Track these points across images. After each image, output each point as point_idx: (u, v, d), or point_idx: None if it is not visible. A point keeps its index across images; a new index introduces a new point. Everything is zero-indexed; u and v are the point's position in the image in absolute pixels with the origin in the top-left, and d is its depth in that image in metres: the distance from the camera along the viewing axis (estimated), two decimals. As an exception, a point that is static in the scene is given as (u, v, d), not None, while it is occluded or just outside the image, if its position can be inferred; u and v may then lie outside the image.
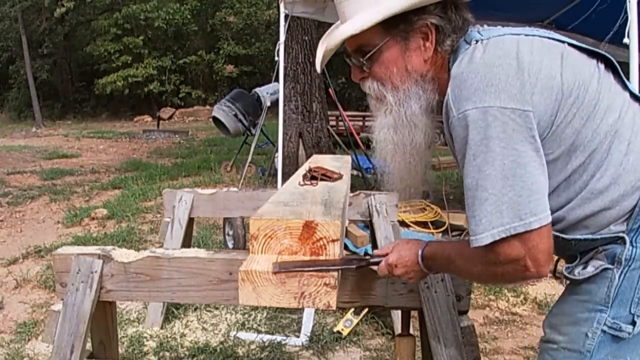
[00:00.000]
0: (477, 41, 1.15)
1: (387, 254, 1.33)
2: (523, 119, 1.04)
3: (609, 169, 1.10)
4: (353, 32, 1.19)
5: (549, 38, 1.17)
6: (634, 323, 1.12)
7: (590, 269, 1.16)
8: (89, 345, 1.68)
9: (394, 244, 1.36)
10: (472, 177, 1.06)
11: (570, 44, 1.17)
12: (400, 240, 1.35)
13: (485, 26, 1.21)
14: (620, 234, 1.12)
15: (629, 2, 3.13)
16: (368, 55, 1.22)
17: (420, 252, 1.26)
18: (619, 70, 1.19)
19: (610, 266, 1.13)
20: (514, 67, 1.06)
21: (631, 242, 1.12)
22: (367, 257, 1.38)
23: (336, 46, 1.27)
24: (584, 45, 1.18)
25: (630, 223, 1.12)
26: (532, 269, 1.05)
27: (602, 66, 1.17)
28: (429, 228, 4.66)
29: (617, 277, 1.13)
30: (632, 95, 1.18)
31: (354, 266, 1.32)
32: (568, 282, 1.24)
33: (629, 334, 1.13)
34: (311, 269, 1.21)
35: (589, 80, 1.11)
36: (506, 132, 1.03)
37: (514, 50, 1.09)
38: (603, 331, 1.14)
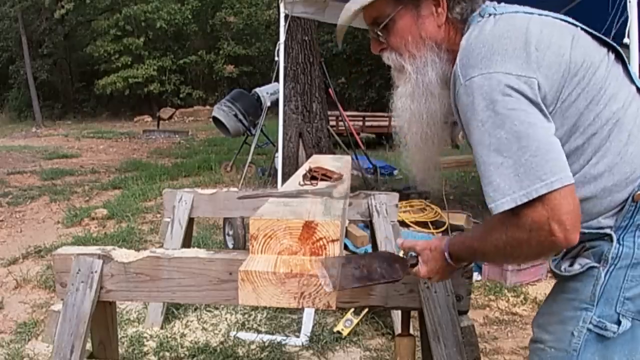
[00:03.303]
0: (489, 15, 1.17)
1: (416, 250, 1.30)
2: (529, 85, 1.04)
3: (607, 155, 1.10)
4: (363, 4, 1.23)
5: (563, 20, 1.19)
6: (619, 322, 1.12)
7: (577, 267, 1.15)
8: (89, 345, 1.68)
9: (417, 246, 1.31)
10: (483, 143, 1.05)
11: (583, 29, 1.19)
12: (422, 246, 1.28)
13: (503, 3, 1.23)
14: (608, 231, 1.12)
15: (629, 2, 3.14)
16: (382, 26, 1.25)
17: (447, 255, 1.23)
18: (627, 65, 1.20)
19: (596, 264, 1.13)
20: (522, 40, 1.08)
21: (618, 240, 1.11)
22: (404, 259, 1.33)
23: (349, 19, 1.29)
24: (596, 33, 1.20)
25: (619, 220, 1.11)
26: (559, 234, 1.00)
27: (612, 56, 1.18)
28: (429, 228, 4.66)
29: (602, 276, 1.12)
30: (639, 90, 1.18)
31: (399, 278, 1.30)
32: (558, 279, 1.24)
33: (614, 333, 1.12)
34: (368, 284, 1.26)
35: (597, 65, 1.12)
36: (512, 96, 1.03)
37: (524, 26, 1.11)
38: (589, 330, 1.13)
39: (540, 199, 0.99)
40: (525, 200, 1.00)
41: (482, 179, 1.06)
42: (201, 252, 1.56)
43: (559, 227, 1.00)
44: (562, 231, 1.00)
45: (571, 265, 1.16)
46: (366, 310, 3.12)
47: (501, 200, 1.02)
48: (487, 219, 1.13)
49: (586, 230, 1.11)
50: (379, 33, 1.27)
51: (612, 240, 1.11)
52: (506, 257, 1.16)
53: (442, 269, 1.25)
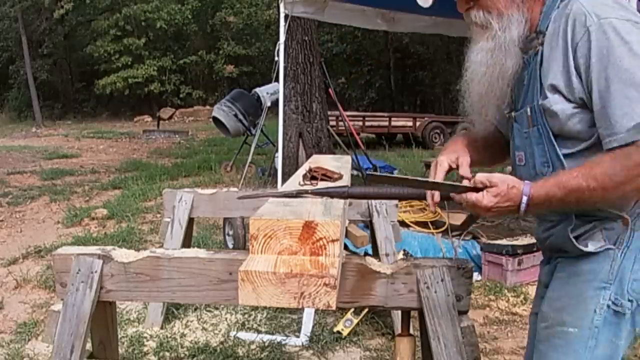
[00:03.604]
0: None
1: (483, 188, 1.23)
2: None
3: None
4: None
5: None
6: (630, 301, 1.22)
7: (591, 247, 1.23)
8: (89, 345, 1.68)
9: (494, 177, 1.23)
10: (620, 77, 1.11)
11: None
12: (500, 178, 1.21)
13: None
14: (625, 215, 1.20)
15: (629, 2, 3.13)
16: None
17: (525, 199, 1.19)
18: None
19: (612, 247, 1.22)
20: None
21: (633, 224, 1.21)
22: (460, 185, 1.30)
23: None
24: None
25: (636, 206, 1.21)
26: None
27: None
28: (429, 228, 4.66)
29: (619, 257, 1.21)
30: None
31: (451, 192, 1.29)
32: (556, 265, 1.32)
33: (628, 309, 1.22)
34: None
35: None
36: None
37: None
38: (608, 306, 1.22)
39: None
40: None
41: (614, 110, 1.12)
42: (201, 252, 1.56)
43: None
44: None
45: (584, 244, 1.24)
46: (366, 310, 3.12)
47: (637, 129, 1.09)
48: (599, 159, 1.15)
49: (613, 211, 1.20)
50: None
51: (627, 224, 1.20)
52: (612, 195, 1.16)
53: (507, 210, 1.22)
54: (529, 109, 1.30)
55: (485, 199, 1.21)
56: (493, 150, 1.54)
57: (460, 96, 1.42)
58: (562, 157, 1.24)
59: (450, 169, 1.42)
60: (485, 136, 1.51)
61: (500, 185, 1.20)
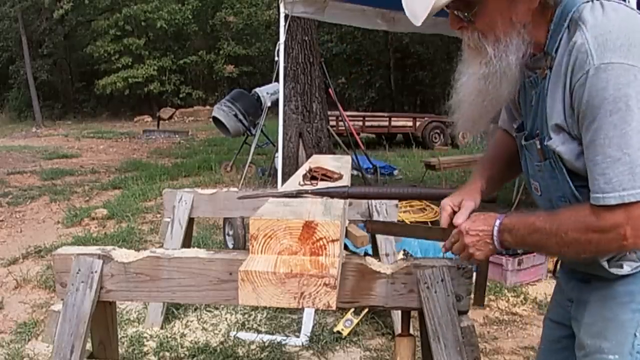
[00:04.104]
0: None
1: (459, 221, 1.29)
2: None
3: None
4: None
5: None
6: None
7: (627, 269, 1.16)
8: (89, 345, 1.68)
9: (470, 213, 1.31)
10: (606, 134, 1.02)
11: None
12: (477, 213, 1.30)
13: None
14: None
15: (629, 2, 3.13)
16: (474, 11, 1.16)
17: (497, 222, 1.21)
18: None
19: None
20: None
21: None
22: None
23: (438, 8, 1.15)
24: None
25: None
26: (630, 240, 1.03)
27: None
28: (429, 228, 4.65)
29: None
30: None
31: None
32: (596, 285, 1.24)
33: None
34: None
35: None
36: None
37: None
38: None
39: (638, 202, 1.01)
40: (633, 200, 1.01)
41: (593, 167, 1.05)
42: (201, 252, 1.56)
43: (633, 233, 1.03)
44: (633, 237, 1.03)
45: (620, 267, 1.17)
46: (366, 310, 3.12)
47: (610, 194, 1.02)
48: (563, 210, 1.13)
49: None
50: (468, 16, 1.18)
51: None
52: (563, 252, 1.16)
53: (484, 232, 1.23)
54: (538, 143, 1.22)
55: (464, 223, 1.27)
56: (514, 166, 1.48)
57: (451, 112, 1.33)
58: (577, 192, 1.16)
59: (454, 212, 1.37)
60: (501, 154, 1.46)
61: (479, 214, 1.27)
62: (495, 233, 1.21)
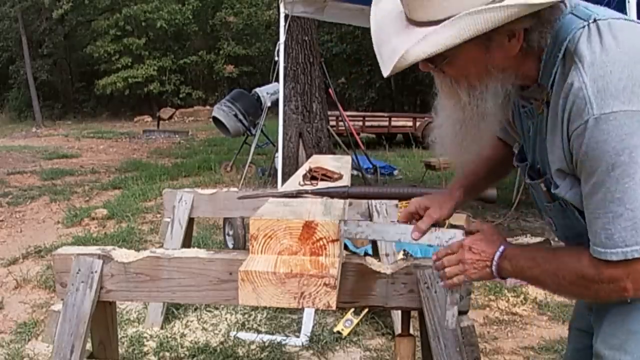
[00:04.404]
0: (594, 20, 1.01)
1: (467, 232, 1.24)
2: None
3: None
4: (440, 49, 0.97)
5: None
6: None
7: None
8: (89, 345, 1.68)
9: (481, 228, 1.23)
10: (608, 188, 0.96)
11: None
12: (488, 228, 1.21)
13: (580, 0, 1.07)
14: None
15: (628, 2, 3.14)
16: (445, 62, 1.05)
17: (501, 248, 1.15)
18: None
19: None
20: None
21: None
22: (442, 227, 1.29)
23: (409, 64, 1.03)
24: None
25: None
26: (630, 292, 0.99)
27: None
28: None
29: None
30: None
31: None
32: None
33: None
34: None
35: None
36: None
37: None
38: None
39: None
40: (637, 255, 0.96)
41: (594, 220, 1.00)
42: (201, 252, 1.56)
43: (633, 286, 0.99)
44: (634, 290, 1.00)
45: None
46: (366, 310, 3.13)
47: (612, 250, 0.98)
48: (566, 251, 1.09)
49: None
50: (438, 67, 1.07)
51: None
52: (559, 292, 1.14)
53: (485, 254, 1.18)
54: (544, 186, 1.16)
55: (468, 239, 1.21)
56: (497, 173, 1.43)
57: (434, 144, 1.25)
58: None
59: (418, 214, 1.32)
60: (486, 161, 1.38)
61: (478, 233, 1.21)
62: (496, 258, 1.16)
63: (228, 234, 4.57)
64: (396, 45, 1.05)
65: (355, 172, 6.68)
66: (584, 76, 0.96)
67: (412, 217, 1.34)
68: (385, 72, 1.07)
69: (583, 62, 0.97)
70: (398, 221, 1.33)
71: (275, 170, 5.16)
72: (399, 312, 1.71)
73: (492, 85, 1.06)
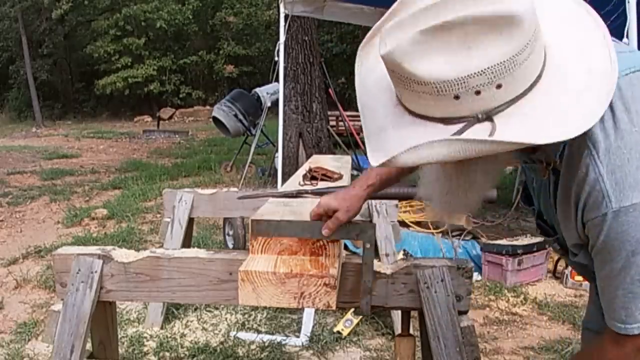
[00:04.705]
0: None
1: None
2: None
3: None
4: (429, 162, 0.90)
5: None
6: None
7: None
8: (89, 345, 1.68)
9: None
10: (627, 272, 0.96)
11: None
12: None
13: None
14: None
15: (628, 2, 3.14)
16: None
17: None
18: None
19: None
20: None
21: None
22: None
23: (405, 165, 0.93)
24: None
25: None
26: None
27: None
28: (429, 228, 4.66)
29: None
30: None
31: None
32: None
33: None
34: None
35: None
36: None
37: None
38: None
39: None
40: None
41: (612, 297, 1.01)
42: (201, 252, 1.56)
43: None
44: None
45: None
46: (366, 310, 3.12)
47: (633, 325, 1.00)
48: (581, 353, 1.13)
49: None
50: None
51: None
52: None
53: None
54: (557, 245, 1.17)
55: None
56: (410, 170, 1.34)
57: (420, 197, 1.19)
58: None
59: (327, 215, 1.28)
60: None
61: None
62: None
63: (228, 234, 4.57)
64: (386, 138, 0.96)
65: (355, 172, 6.67)
66: (600, 167, 0.93)
67: (321, 218, 1.30)
68: (372, 162, 0.98)
69: (598, 148, 0.93)
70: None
71: (275, 170, 5.16)
72: (399, 312, 1.71)
73: (483, 162, 0.97)
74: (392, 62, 0.86)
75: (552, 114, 0.86)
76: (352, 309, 3.09)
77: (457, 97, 0.84)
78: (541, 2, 0.90)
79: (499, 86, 0.83)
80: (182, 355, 2.92)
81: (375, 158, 0.96)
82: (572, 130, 0.84)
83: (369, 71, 1.03)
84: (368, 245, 1.26)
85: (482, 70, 0.82)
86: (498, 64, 0.82)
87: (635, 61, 1.00)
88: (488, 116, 0.86)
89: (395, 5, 0.93)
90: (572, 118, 0.85)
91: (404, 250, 3.86)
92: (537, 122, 0.85)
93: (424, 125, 0.90)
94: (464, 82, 0.82)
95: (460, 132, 0.86)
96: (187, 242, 3.19)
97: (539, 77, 0.87)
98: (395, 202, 3.11)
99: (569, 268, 3.67)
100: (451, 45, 0.81)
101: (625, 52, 0.99)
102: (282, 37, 4.34)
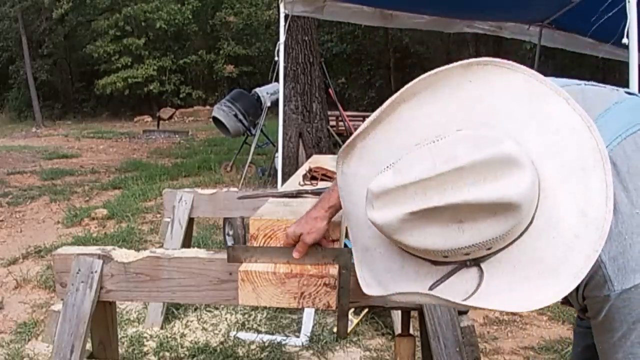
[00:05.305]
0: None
1: None
2: None
3: None
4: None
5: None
6: None
7: None
8: (89, 345, 1.68)
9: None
10: (627, 338, 0.95)
11: None
12: None
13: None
14: None
15: (628, 2, 3.13)
16: None
17: None
18: None
19: None
20: None
21: None
22: None
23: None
24: None
25: None
26: None
27: None
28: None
29: None
30: None
31: None
32: None
33: None
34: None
35: None
36: None
37: None
38: None
39: None
40: None
41: (611, 357, 1.00)
42: (201, 252, 1.56)
43: None
44: None
45: None
46: (366, 310, 3.12)
47: None
48: None
49: None
50: None
51: None
52: None
53: None
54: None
55: None
56: None
57: None
58: None
59: (294, 241, 1.28)
60: None
61: None
62: None
63: (228, 234, 4.57)
64: (374, 262, 0.99)
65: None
66: (601, 254, 0.88)
67: (290, 244, 1.31)
68: (365, 290, 1.01)
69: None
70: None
71: (275, 170, 5.16)
72: (399, 312, 1.71)
73: None
74: (381, 231, 0.88)
75: (538, 268, 0.84)
76: (352, 309, 3.09)
77: (445, 257, 0.86)
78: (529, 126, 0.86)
79: (489, 248, 0.84)
80: (182, 355, 2.93)
81: (368, 288, 0.98)
82: (562, 289, 0.83)
83: (352, 176, 1.01)
84: (344, 271, 1.26)
85: (473, 244, 0.82)
86: (490, 240, 0.82)
87: (625, 119, 0.96)
88: (476, 263, 0.86)
89: (378, 114, 0.98)
90: (563, 277, 0.83)
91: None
92: (521, 280, 0.84)
93: (412, 264, 0.91)
94: (454, 250, 0.84)
95: (447, 275, 0.87)
96: (187, 242, 3.19)
97: (531, 222, 0.85)
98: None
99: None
100: (443, 221, 0.81)
101: (612, 103, 0.95)
102: (282, 37, 4.34)
